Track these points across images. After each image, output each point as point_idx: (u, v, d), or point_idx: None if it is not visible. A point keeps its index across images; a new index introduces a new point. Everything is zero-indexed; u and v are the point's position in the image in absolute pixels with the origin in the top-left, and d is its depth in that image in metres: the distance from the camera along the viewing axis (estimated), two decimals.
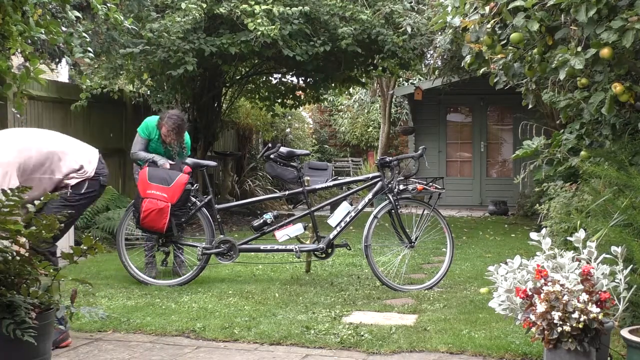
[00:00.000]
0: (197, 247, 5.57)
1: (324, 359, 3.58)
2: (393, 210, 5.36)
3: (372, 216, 5.32)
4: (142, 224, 5.34)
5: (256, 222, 5.55)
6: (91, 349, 3.74)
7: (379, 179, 5.46)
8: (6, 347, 2.71)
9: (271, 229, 5.51)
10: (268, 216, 5.53)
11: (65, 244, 6.77)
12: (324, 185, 5.70)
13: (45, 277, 2.96)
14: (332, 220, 5.44)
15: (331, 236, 5.43)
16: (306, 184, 5.65)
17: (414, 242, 5.44)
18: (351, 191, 5.70)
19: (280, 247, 5.54)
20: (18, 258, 2.87)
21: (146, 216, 5.27)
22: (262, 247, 5.61)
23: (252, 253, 6.10)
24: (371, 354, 3.64)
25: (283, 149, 5.59)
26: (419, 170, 6.01)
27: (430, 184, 5.38)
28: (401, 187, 5.36)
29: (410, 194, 5.37)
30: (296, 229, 5.48)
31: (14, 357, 2.73)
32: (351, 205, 5.50)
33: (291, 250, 5.47)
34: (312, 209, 5.52)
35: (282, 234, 5.46)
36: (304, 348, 3.74)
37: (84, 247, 2.95)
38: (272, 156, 5.58)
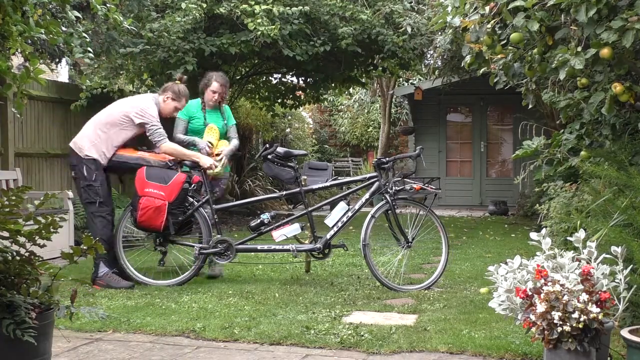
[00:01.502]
0: (194, 247, 5.56)
1: (324, 359, 3.58)
2: (390, 211, 5.35)
3: (369, 216, 5.32)
4: (139, 222, 5.36)
5: (253, 222, 5.54)
6: (91, 349, 3.74)
7: (375, 179, 5.45)
8: (6, 347, 2.71)
9: (268, 229, 5.50)
10: (265, 216, 5.52)
11: (65, 243, 6.79)
12: (321, 185, 5.69)
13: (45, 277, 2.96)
14: (329, 221, 5.43)
15: (328, 236, 5.41)
16: (304, 183, 5.64)
17: (411, 242, 5.42)
18: (349, 191, 5.67)
19: (277, 247, 5.53)
20: (18, 258, 2.87)
21: (143, 214, 5.30)
22: (259, 247, 5.61)
23: (253, 253, 6.10)
24: (371, 354, 3.64)
25: (280, 149, 5.57)
26: (418, 170, 6.01)
27: (427, 184, 5.36)
28: (398, 187, 5.35)
29: (408, 194, 5.37)
30: (293, 229, 5.46)
31: (13, 357, 2.73)
32: (349, 205, 5.49)
33: (288, 250, 5.46)
34: (310, 209, 5.51)
35: (279, 234, 5.44)
36: (304, 348, 3.74)
37: (84, 247, 2.95)
38: (269, 156, 5.56)
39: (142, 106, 5.55)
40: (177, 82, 5.78)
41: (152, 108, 5.56)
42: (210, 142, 5.81)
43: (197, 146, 5.77)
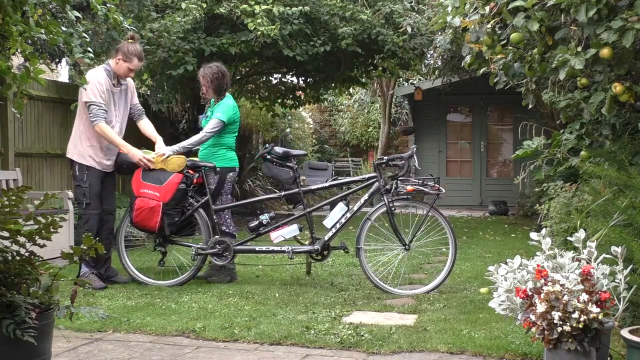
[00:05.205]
0: (192, 247, 5.54)
1: (324, 359, 3.58)
2: (388, 212, 5.28)
3: (365, 218, 5.26)
4: (134, 223, 5.39)
5: (252, 223, 5.52)
6: (91, 349, 3.74)
7: (375, 179, 5.38)
8: (6, 347, 2.71)
9: (267, 230, 5.48)
10: (264, 217, 5.49)
11: (65, 243, 6.78)
12: (320, 185, 5.65)
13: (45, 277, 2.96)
14: (328, 222, 5.38)
15: (326, 238, 5.36)
16: (303, 184, 5.60)
17: (408, 245, 5.31)
18: (349, 191, 5.61)
19: (275, 248, 5.49)
20: (18, 258, 2.87)
21: (138, 214, 5.31)
22: (257, 248, 5.59)
23: (253, 254, 6.09)
24: (371, 354, 3.64)
25: (278, 149, 5.52)
26: (421, 170, 5.95)
27: (426, 184, 5.25)
28: (398, 188, 5.27)
29: (408, 195, 5.29)
30: (291, 230, 5.42)
31: (13, 357, 2.73)
32: (348, 205, 5.45)
33: (285, 251, 5.42)
34: (308, 209, 5.47)
35: (277, 235, 5.41)
36: (304, 348, 3.74)
37: (84, 247, 2.95)
38: (268, 156, 5.53)
39: (88, 85, 5.21)
40: (129, 40, 5.53)
41: (93, 83, 5.30)
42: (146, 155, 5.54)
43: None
